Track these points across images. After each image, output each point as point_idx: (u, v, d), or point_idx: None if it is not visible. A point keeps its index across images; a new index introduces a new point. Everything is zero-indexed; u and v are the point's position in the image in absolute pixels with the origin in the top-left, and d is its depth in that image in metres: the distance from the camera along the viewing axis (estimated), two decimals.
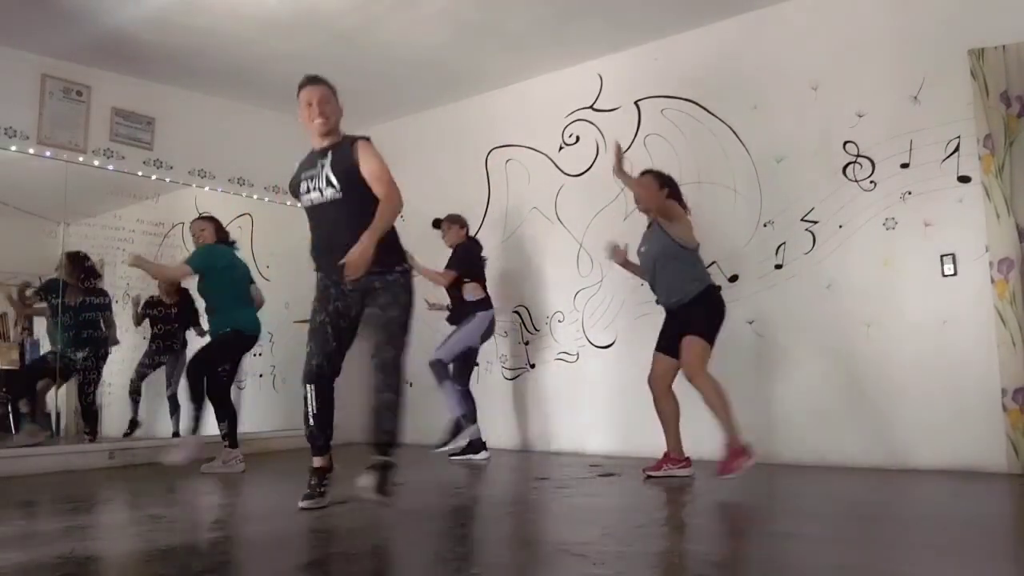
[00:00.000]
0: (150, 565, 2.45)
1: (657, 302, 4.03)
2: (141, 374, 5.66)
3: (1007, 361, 3.74)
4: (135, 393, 5.63)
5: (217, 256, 4.64)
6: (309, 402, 3.12)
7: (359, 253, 2.88)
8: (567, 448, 5.29)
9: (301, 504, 3.10)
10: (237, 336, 4.62)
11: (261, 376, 5.40)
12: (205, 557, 2.54)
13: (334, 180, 3.10)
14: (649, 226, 4.05)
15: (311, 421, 3.14)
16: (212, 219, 4.86)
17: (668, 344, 3.93)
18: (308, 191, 3.18)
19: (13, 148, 4.91)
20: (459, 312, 4.99)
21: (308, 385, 3.13)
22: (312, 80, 3.26)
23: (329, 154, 3.16)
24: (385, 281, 3.09)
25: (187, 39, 4.92)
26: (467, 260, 5.02)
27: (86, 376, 5.25)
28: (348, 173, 3.09)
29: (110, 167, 5.35)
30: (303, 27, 4.80)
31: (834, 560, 2.28)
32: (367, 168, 3.09)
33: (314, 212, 3.18)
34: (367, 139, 3.20)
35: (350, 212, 3.06)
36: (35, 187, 5.23)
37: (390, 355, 3.03)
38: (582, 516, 3.00)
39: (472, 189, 5.89)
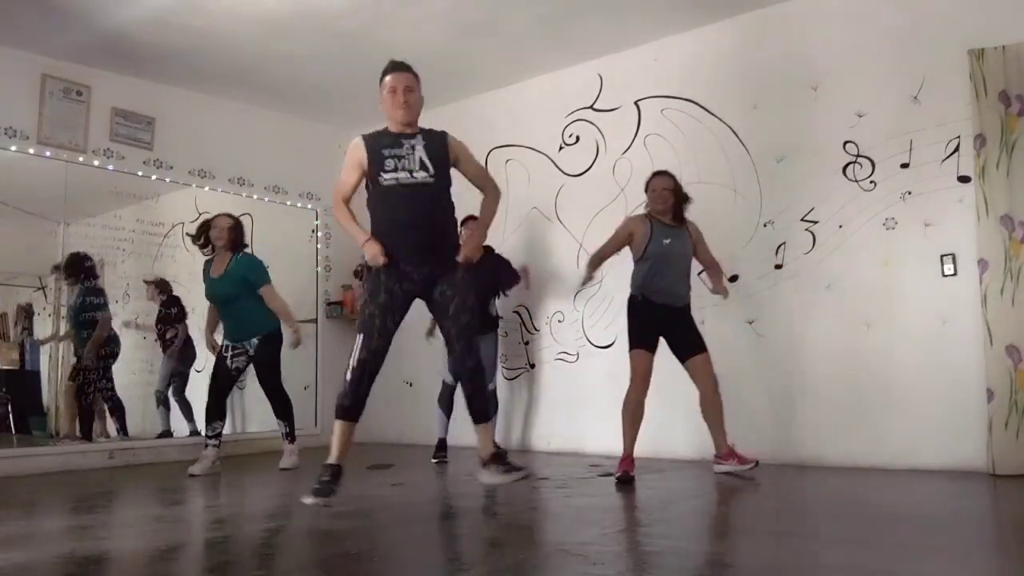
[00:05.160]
0: (151, 565, 2.46)
1: (656, 300, 3.97)
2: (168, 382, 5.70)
3: (985, 362, 3.78)
4: (164, 403, 5.66)
5: None
6: (347, 392, 3.12)
7: (476, 244, 3.24)
8: (567, 448, 5.29)
9: (309, 500, 3.03)
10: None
11: None
12: (206, 557, 2.54)
13: (428, 164, 3.15)
14: (668, 225, 4.03)
15: (343, 413, 3.13)
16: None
17: (684, 345, 4.02)
18: (395, 169, 3.13)
19: (13, 148, 4.91)
20: (484, 323, 5.03)
21: (364, 366, 3.09)
22: (397, 67, 3.25)
23: (420, 138, 3.21)
24: (450, 270, 3.20)
25: (187, 39, 4.92)
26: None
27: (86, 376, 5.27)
28: (441, 160, 3.21)
29: (110, 167, 5.35)
30: (303, 27, 4.80)
31: (834, 560, 2.28)
32: (471, 164, 3.39)
33: (394, 192, 3.14)
34: (452, 135, 3.33)
35: (434, 198, 3.18)
36: (35, 187, 5.23)
37: (472, 334, 3.24)
38: (582, 516, 3.00)
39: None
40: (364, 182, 3.24)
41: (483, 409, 3.28)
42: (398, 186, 3.13)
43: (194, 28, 4.77)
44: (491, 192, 3.39)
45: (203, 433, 4.65)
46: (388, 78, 3.23)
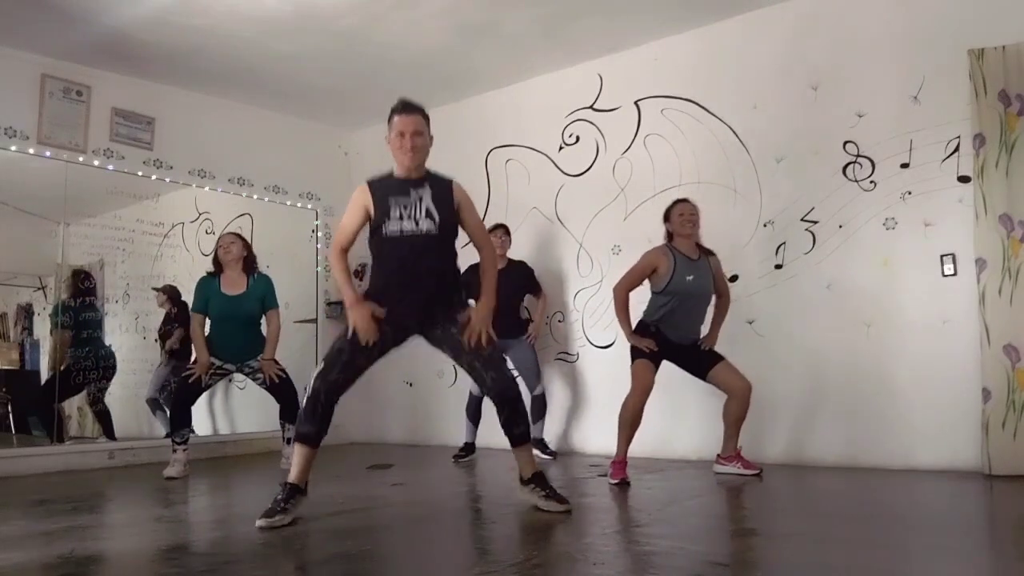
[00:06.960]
0: (150, 565, 2.46)
1: (669, 335, 3.92)
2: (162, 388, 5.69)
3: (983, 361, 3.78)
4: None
5: None
6: (304, 420, 3.02)
7: (485, 320, 3.06)
8: (567, 448, 5.29)
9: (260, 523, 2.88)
10: None
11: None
12: (206, 557, 2.54)
13: (435, 214, 3.06)
14: (691, 259, 3.95)
15: (304, 439, 3.03)
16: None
17: (698, 362, 3.98)
18: (401, 218, 3.03)
19: (13, 148, 4.91)
20: (517, 327, 5.03)
21: (318, 397, 2.99)
22: (407, 107, 3.12)
23: (427, 187, 3.10)
24: (448, 310, 3.12)
25: (187, 39, 4.92)
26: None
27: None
28: (447, 211, 3.10)
29: (110, 167, 5.35)
30: (303, 27, 4.80)
31: (833, 560, 2.28)
32: (473, 216, 3.24)
33: (399, 242, 3.04)
34: (457, 183, 3.21)
35: (439, 249, 3.11)
36: (35, 187, 5.23)
37: (500, 362, 3.16)
38: (582, 516, 3.01)
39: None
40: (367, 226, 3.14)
41: (524, 431, 3.13)
42: (402, 237, 3.04)
43: (194, 28, 4.77)
44: (488, 252, 3.26)
45: (172, 440, 4.54)
46: (397, 119, 3.09)
